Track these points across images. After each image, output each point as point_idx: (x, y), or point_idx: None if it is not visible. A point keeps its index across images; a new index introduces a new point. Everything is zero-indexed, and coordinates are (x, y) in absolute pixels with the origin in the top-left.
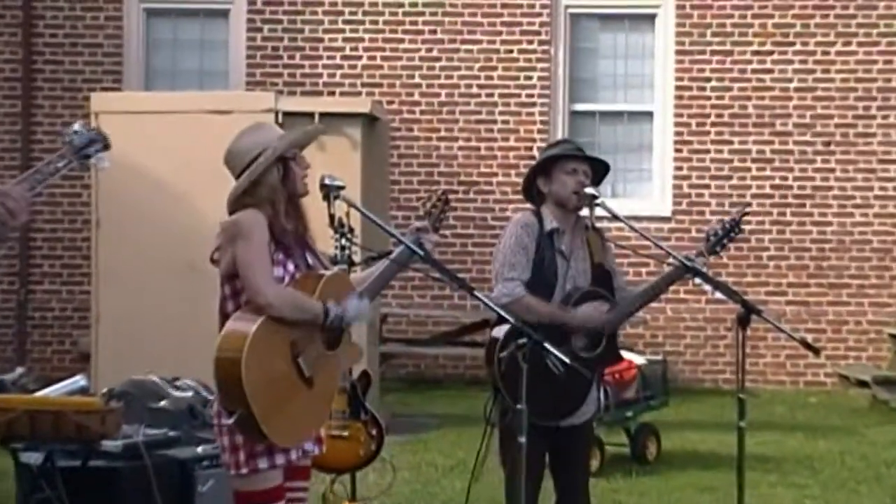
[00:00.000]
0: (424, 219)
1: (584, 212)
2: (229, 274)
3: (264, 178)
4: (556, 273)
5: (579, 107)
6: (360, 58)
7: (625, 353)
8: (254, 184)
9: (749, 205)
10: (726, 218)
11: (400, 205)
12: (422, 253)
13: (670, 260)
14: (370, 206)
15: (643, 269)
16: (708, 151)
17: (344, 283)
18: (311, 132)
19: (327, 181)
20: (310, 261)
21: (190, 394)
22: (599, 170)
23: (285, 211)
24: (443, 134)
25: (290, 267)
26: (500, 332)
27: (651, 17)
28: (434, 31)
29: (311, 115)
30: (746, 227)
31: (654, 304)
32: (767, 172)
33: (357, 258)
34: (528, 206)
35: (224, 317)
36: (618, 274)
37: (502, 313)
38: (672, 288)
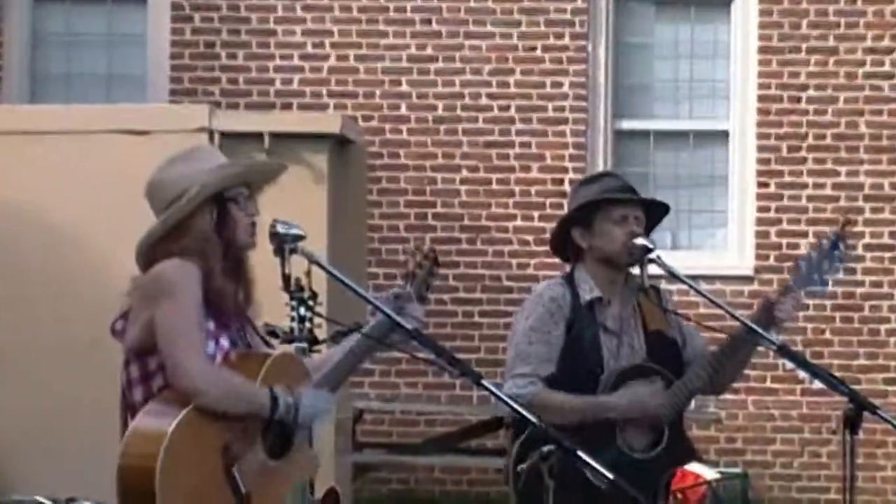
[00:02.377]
0: (406, 283)
1: (635, 269)
2: (140, 349)
3: (191, 222)
4: (602, 356)
5: (627, 124)
6: (326, 57)
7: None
8: (176, 229)
9: (851, 221)
10: (824, 239)
11: (381, 259)
12: (409, 326)
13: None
14: (340, 261)
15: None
16: (804, 186)
17: (296, 368)
18: (264, 167)
19: (280, 229)
20: (250, 339)
21: None
22: (654, 212)
23: (221, 268)
24: (440, 162)
25: (224, 342)
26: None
27: (726, 3)
28: (428, 21)
29: (258, 135)
30: (858, 291)
31: (730, 396)
32: (886, 215)
33: (321, 333)
34: (559, 261)
35: (129, 409)
36: (692, 339)
37: (520, 410)
38: (755, 374)
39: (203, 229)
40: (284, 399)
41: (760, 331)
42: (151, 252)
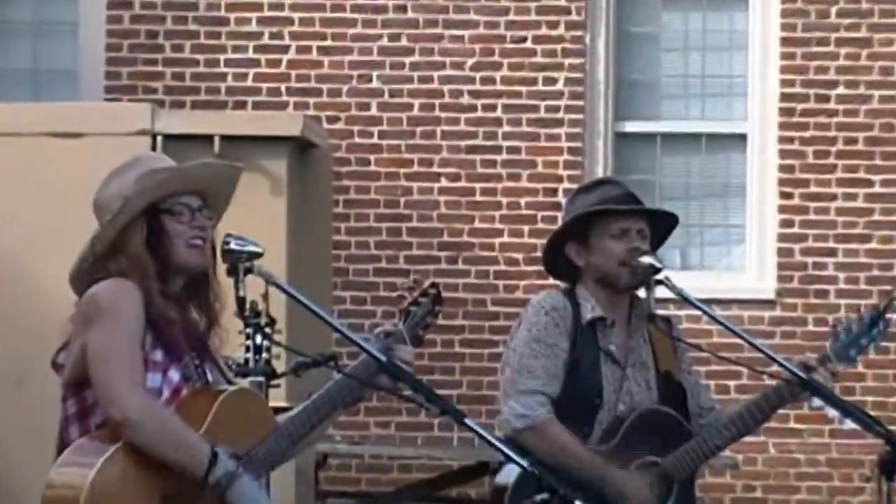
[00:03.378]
0: (399, 321)
1: (641, 292)
2: (76, 380)
3: (122, 242)
4: (602, 387)
5: (630, 126)
6: (285, 49)
7: None
8: (110, 251)
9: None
10: (864, 306)
11: (348, 280)
12: (381, 357)
13: (775, 368)
14: (302, 283)
15: (731, 383)
16: (833, 197)
17: (256, 408)
18: (203, 170)
19: (233, 245)
20: (209, 374)
21: None
22: (660, 225)
23: (163, 290)
24: (416, 169)
25: (174, 376)
26: (507, 477)
27: None
28: (402, 8)
29: (207, 138)
30: (895, 317)
31: (748, 438)
32: None
33: (280, 366)
34: (553, 282)
35: (64, 448)
36: (697, 388)
37: (509, 453)
38: (777, 413)
39: (135, 249)
40: (225, 462)
41: (792, 368)
42: (87, 276)
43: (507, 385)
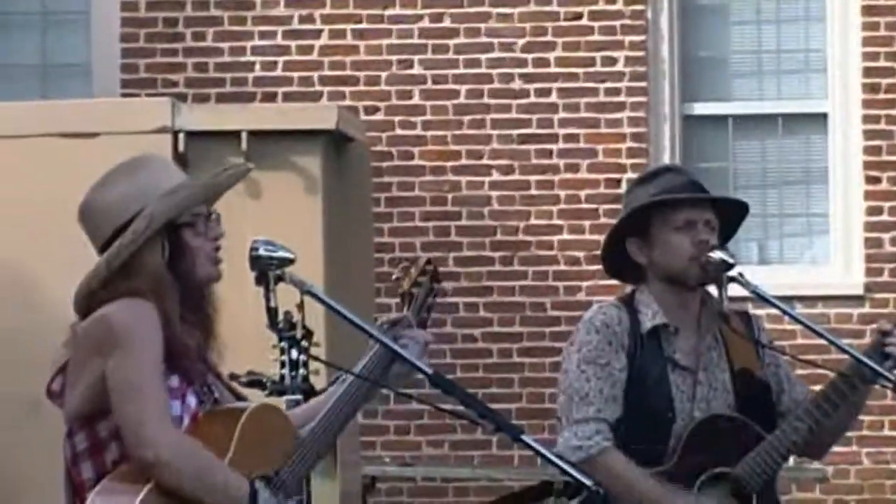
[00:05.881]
0: (403, 306)
1: (712, 289)
2: (87, 413)
3: (139, 260)
4: (671, 398)
5: (699, 108)
6: (317, 34)
7: None
8: (122, 269)
9: None
10: None
11: (393, 286)
12: (429, 370)
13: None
14: (341, 291)
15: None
16: None
17: (277, 423)
18: (228, 179)
19: (263, 251)
20: (217, 393)
21: None
22: (730, 214)
23: (181, 310)
24: (464, 162)
25: (191, 401)
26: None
27: None
28: None
29: (234, 134)
30: None
31: (839, 448)
32: None
33: (320, 382)
34: (617, 283)
35: (76, 490)
36: (788, 382)
37: (572, 471)
38: (869, 419)
39: (155, 267)
40: (266, 500)
41: (874, 364)
42: (93, 297)
43: (561, 413)
